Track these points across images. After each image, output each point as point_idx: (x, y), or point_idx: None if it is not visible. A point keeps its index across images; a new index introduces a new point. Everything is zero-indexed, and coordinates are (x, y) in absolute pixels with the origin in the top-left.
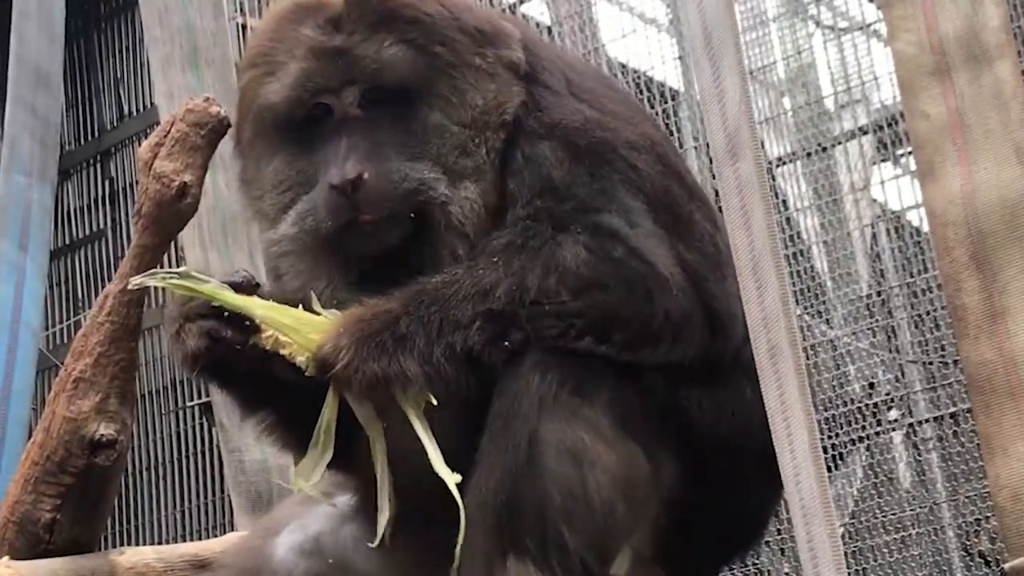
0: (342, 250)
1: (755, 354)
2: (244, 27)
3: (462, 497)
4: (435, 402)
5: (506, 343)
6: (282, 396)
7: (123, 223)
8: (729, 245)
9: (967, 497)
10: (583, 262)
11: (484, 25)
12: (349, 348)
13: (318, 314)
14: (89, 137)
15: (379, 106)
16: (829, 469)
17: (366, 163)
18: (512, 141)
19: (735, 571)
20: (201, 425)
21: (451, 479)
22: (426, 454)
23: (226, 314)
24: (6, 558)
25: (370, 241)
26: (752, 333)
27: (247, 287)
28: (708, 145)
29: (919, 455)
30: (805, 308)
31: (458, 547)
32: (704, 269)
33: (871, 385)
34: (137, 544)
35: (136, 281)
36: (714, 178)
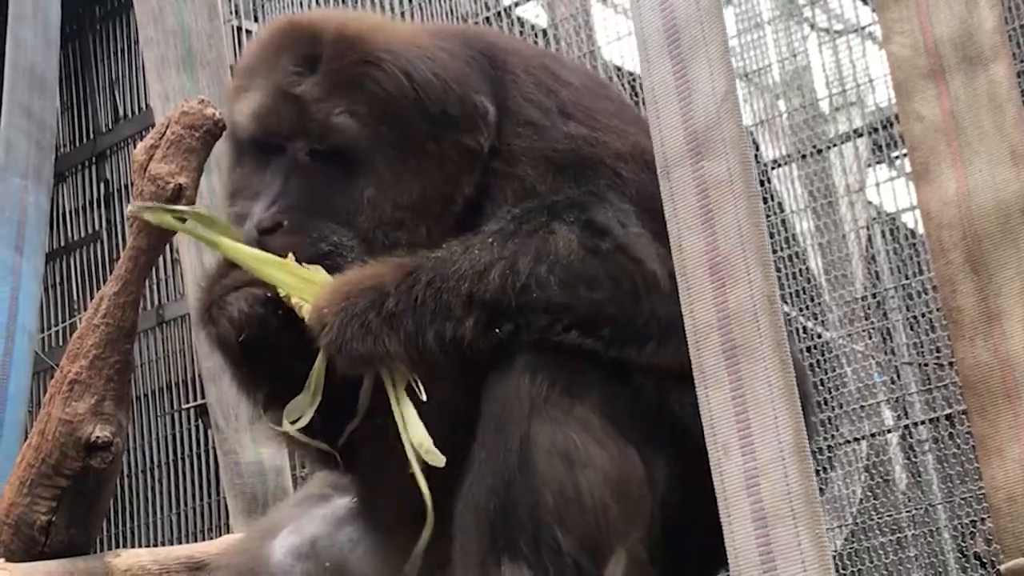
0: None
1: (695, 355)
2: (239, 29)
3: (456, 501)
4: (419, 386)
5: (496, 331)
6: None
7: (118, 225)
8: None
9: (963, 499)
10: (574, 253)
11: (452, 106)
12: (332, 325)
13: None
14: (84, 139)
15: (325, 162)
16: (824, 471)
17: (291, 212)
18: (478, 199)
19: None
20: (197, 427)
21: (421, 471)
22: (400, 437)
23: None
24: (1, 560)
25: None
26: (697, 334)
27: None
28: None
29: (915, 457)
30: (801, 310)
31: (422, 540)
32: None
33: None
34: (133, 546)
35: (134, 207)
36: None
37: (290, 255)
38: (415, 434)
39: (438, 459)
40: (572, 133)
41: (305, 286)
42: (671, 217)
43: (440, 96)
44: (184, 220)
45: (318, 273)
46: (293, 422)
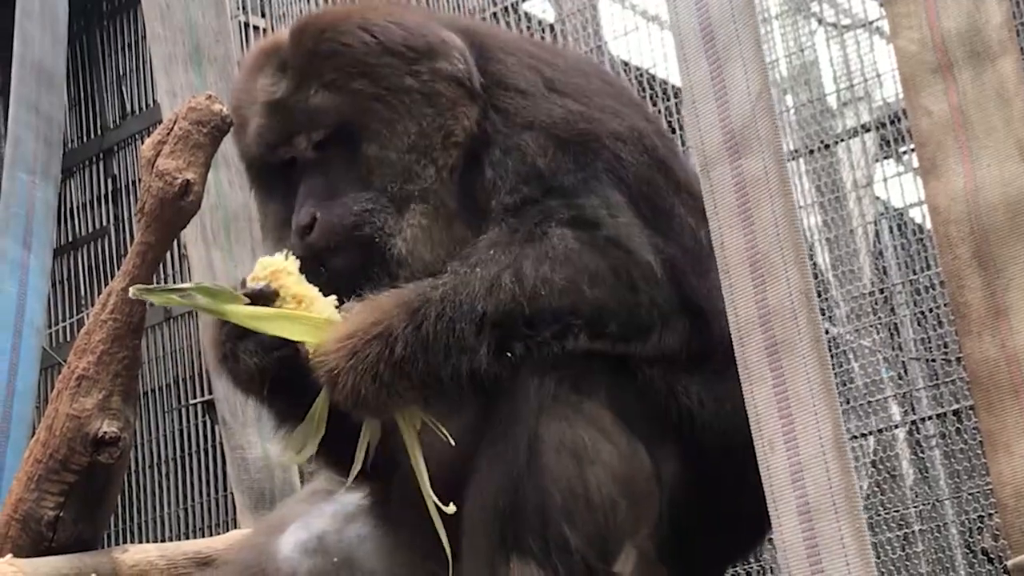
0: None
1: (739, 352)
2: (246, 25)
3: (465, 499)
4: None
5: (508, 355)
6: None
7: (126, 221)
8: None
9: (970, 494)
10: (571, 249)
11: (417, 40)
12: (343, 377)
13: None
14: (92, 135)
15: (328, 147)
16: None
17: (318, 206)
18: (479, 149)
19: (738, 568)
20: (204, 423)
21: (437, 506)
22: (416, 474)
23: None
24: (9, 556)
25: (329, 272)
26: (740, 331)
27: (267, 296)
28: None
29: (922, 452)
30: None
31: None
32: (682, 263)
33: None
34: (140, 542)
35: (136, 290)
36: None
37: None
38: (428, 491)
39: (446, 508)
40: (568, 107)
41: (311, 330)
42: (712, 215)
43: (402, 35)
44: (185, 294)
45: (325, 310)
46: (299, 452)
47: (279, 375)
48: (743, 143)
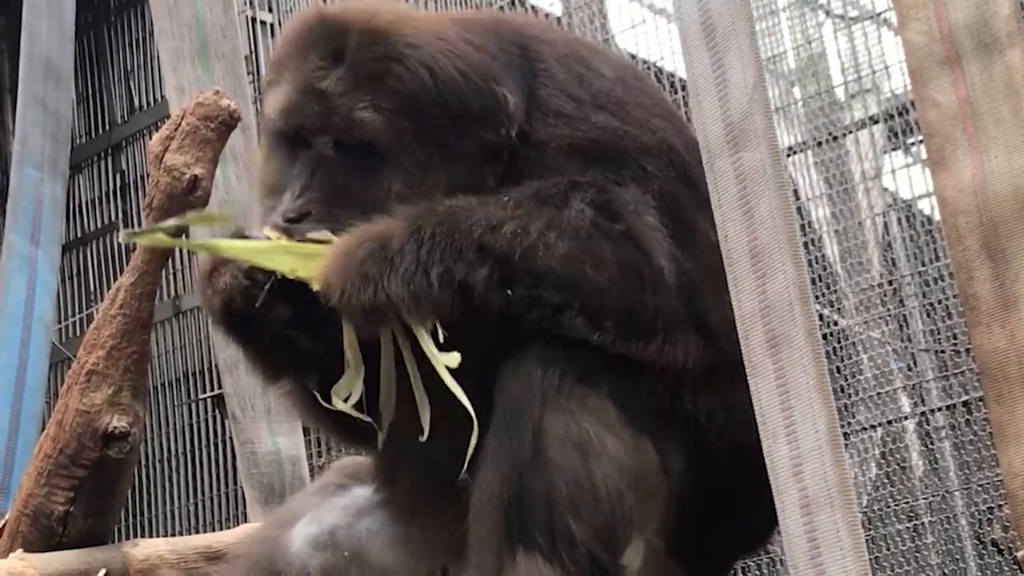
0: None
1: (744, 345)
2: (254, 20)
3: (472, 491)
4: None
5: (507, 290)
6: (303, 353)
7: (134, 216)
8: None
9: (979, 485)
10: (583, 229)
11: (473, 101)
12: (336, 285)
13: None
14: (100, 131)
15: (351, 154)
16: None
17: (317, 204)
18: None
19: (748, 560)
20: (214, 417)
21: (462, 395)
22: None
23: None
24: (20, 551)
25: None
26: (742, 324)
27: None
28: None
29: (931, 443)
30: (817, 297)
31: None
32: (698, 278)
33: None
34: (150, 536)
35: (125, 235)
36: None
37: (282, 237)
38: (451, 382)
39: (453, 359)
40: (601, 123)
41: (310, 262)
42: (716, 208)
43: (461, 90)
44: (178, 232)
45: (323, 241)
46: (345, 400)
47: (250, 313)
48: (742, 136)
